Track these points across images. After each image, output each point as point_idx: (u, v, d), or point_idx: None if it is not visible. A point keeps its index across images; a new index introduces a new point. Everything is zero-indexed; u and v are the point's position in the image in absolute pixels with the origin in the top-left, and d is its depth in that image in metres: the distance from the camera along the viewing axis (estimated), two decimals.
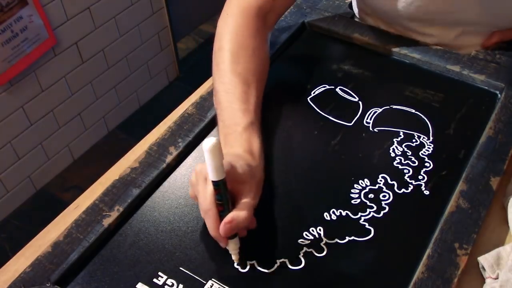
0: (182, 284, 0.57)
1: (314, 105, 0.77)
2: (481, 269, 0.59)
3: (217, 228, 0.56)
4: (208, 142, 0.52)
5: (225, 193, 0.55)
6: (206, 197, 0.56)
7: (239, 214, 0.56)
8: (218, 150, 0.52)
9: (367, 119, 0.75)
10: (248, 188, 0.59)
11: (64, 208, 0.67)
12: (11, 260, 0.62)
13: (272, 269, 0.58)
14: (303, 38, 0.89)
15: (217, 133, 0.70)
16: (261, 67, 0.74)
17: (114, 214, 0.63)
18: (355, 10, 0.95)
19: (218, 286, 0.57)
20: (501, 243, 0.61)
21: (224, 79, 0.70)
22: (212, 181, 0.55)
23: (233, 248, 0.58)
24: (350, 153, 0.70)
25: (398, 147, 0.71)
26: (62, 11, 1.59)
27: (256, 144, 0.65)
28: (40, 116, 1.69)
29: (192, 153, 0.71)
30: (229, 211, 0.56)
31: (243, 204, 0.57)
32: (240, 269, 0.58)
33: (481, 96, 0.77)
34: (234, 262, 0.59)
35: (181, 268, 0.59)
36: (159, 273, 0.58)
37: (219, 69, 0.72)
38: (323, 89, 0.79)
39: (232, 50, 0.72)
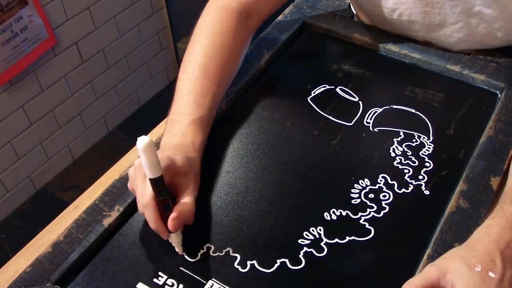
0: (182, 284, 0.57)
1: (314, 105, 0.77)
2: None
3: (157, 221, 0.57)
4: (142, 141, 0.52)
5: (164, 188, 0.56)
6: (145, 193, 0.57)
7: (184, 208, 0.58)
8: (151, 148, 0.52)
9: (367, 119, 0.75)
10: (188, 179, 0.60)
11: (64, 208, 0.67)
12: (11, 260, 0.62)
13: (272, 269, 0.58)
14: (303, 38, 0.89)
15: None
16: (229, 66, 0.74)
17: (114, 214, 0.63)
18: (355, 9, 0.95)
19: (218, 286, 0.57)
20: None
21: (188, 70, 0.71)
22: (150, 179, 0.55)
23: (175, 241, 0.59)
24: (350, 153, 0.70)
25: (398, 147, 0.71)
26: (62, 11, 1.59)
27: (200, 138, 0.66)
28: (40, 116, 1.69)
29: None
30: (171, 205, 0.57)
31: (186, 198, 0.59)
32: (240, 269, 0.58)
33: (481, 96, 0.77)
34: (180, 254, 0.60)
35: (181, 268, 0.59)
36: (159, 273, 0.58)
37: (187, 59, 0.73)
38: (323, 89, 0.79)
39: (203, 44, 0.73)
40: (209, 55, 0.72)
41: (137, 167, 0.58)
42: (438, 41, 0.83)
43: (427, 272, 0.53)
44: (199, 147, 0.65)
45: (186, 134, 0.65)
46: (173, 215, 0.57)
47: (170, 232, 0.58)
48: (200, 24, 0.76)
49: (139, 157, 0.55)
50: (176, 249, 0.60)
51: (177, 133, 0.65)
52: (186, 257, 0.60)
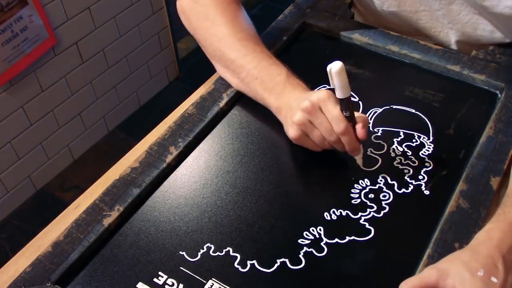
0: (182, 284, 0.57)
1: None
2: None
3: (356, 141, 0.63)
4: (336, 65, 0.60)
5: (352, 106, 0.63)
6: (339, 119, 0.62)
7: (362, 116, 0.64)
8: (344, 70, 0.60)
9: None
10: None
11: (64, 208, 0.67)
12: (11, 260, 0.62)
13: (272, 269, 0.58)
14: (303, 38, 0.89)
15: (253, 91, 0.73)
16: (256, 32, 0.77)
17: (114, 214, 0.63)
18: (355, 9, 0.95)
19: (218, 286, 0.57)
20: None
21: (236, 47, 0.72)
22: (344, 99, 0.61)
23: (362, 153, 0.67)
24: None
25: (398, 147, 0.71)
26: (62, 11, 1.59)
27: (303, 84, 0.70)
28: (40, 116, 1.69)
29: (192, 153, 0.71)
30: (355, 121, 0.63)
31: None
32: (240, 269, 0.59)
33: (481, 96, 0.77)
34: (359, 165, 0.67)
35: (181, 268, 0.59)
36: (159, 273, 0.58)
37: (226, 41, 0.73)
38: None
39: (227, 23, 0.74)
40: (239, 28, 0.74)
41: (311, 106, 0.63)
42: (424, 33, 0.84)
43: (426, 274, 0.53)
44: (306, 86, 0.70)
45: (295, 87, 0.69)
46: (360, 125, 0.62)
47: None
48: (202, 9, 0.76)
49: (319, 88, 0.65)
50: (358, 161, 0.67)
51: (288, 91, 0.68)
52: (186, 257, 0.60)
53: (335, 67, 0.60)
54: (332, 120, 0.62)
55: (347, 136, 0.62)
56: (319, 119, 0.63)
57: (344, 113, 0.62)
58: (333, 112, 0.62)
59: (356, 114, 0.64)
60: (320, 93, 0.64)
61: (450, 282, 0.51)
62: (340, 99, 0.62)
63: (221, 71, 0.77)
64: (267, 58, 0.72)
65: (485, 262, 0.52)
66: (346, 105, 0.62)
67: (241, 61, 0.72)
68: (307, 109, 0.63)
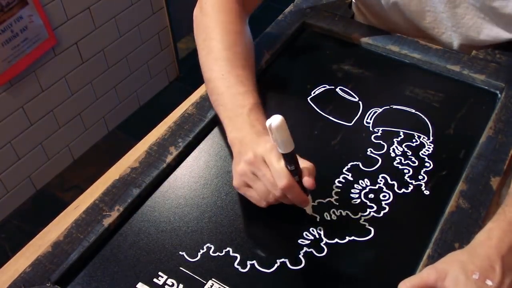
0: (182, 284, 0.57)
1: (314, 105, 0.77)
2: None
3: (303, 194, 0.60)
4: (276, 119, 0.55)
5: (296, 160, 0.58)
6: (282, 174, 0.58)
7: (309, 165, 0.60)
8: (285, 124, 0.56)
9: (367, 119, 0.75)
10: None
11: (64, 208, 0.67)
12: (11, 260, 0.62)
13: (272, 269, 0.58)
14: (303, 38, 0.89)
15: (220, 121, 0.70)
16: (249, 51, 0.75)
17: (114, 214, 0.63)
18: (355, 9, 0.95)
19: (218, 286, 0.57)
20: None
21: (215, 67, 0.71)
22: (286, 154, 0.57)
23: (310, 203, 0.63)
24: (350, 153, 0.70)
25: (398, 147, 0.71)
26: (62, 11, 1.59)
27: (265, 121, 0.66)
28: (40, 116, 1.69)
29: (192, 153, 0.71)
30: (300, 176, 0.60)
31: (302, 163, 0.60)
32: (240, 269, 0.58)
33: (481, 96, 0.77)
34: (308, 214, 0.63)
35: (181, 268, 0.59)
36: (159, 273, 0.58)
37: (210, 58, 0.72)
38: (323, 89, 0.79)
39: (219, 38, 0.72)
40: (229, 46, 0.72)
41: (253, 159, 0.60)
42: (426, 33, 0.83)
43: (425, 274, 0.53)
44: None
45: (253, 123, 0.65)
46: (306, 177, 0.59)
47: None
48: (205, 19, 0.75)
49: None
50: (308, 211, 0.63)
51: (244, 125, 0.65)
52: (186, 257, 0.60)
53: (274, 122, 0.55)
54: (274, 175, 0.58)
55: (291, 191, 0.59)
56: (262, 171, 0.59)
57: (289, 167, 0.58)
58: (275, 166, 0.58)
59: (303, 163, 0.60)
60: (265, 145, 0.60)
61: (447, 283, 0.52)
62: (283, 154, 0.57)
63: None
64: (239, 85, 0.69)
65: (482, 264, 0.52)
66: (290, 159, 0.57)
67: (215, 82, 0.70)
68: (250, 161, 0.60)
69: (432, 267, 0.54)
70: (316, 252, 0.60)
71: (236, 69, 0.70)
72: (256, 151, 0.60)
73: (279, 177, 0.58)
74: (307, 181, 0.58)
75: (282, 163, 0.58)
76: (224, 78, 0.69)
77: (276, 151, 0.58)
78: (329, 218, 0.63)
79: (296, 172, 0.58)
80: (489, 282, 0.51)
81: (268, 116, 0.68)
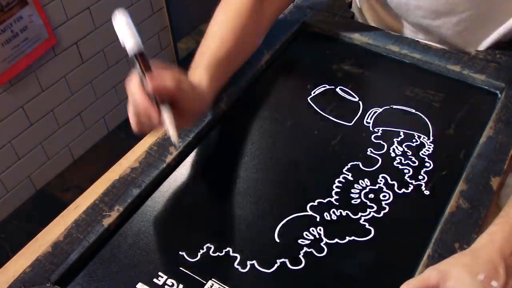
0: (182, 284, 0.57)
1: (314, 105, 0.77)
2: None
3: (144, 99, 0.56)
4: (115, 15, 0.52)
5: (147, 63, 0.55)
6: (128, 85, 0.57)
7: (161, 74, 0.57)
8: (126, 19, 0.53)
9: (367, 119, 0.75)
10: (184, 99, 0.60)
11: (64, 208, 0.67)
12: (11, 260, 0.62)
13: (272, 269, 0.58)
14: (303, 38, 0.89)
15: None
16: (242, 49, 0.76)
17: (114, 214, 0.63)
18: (355, 9, 0.95)
19: (218, 286, 0.57)
20: None
21: (214, 25, 0.74)
22: (135, 55, 0.54)
23: (168, 117, 0.57)
24: (350, 153, 0.70)
25: (398, 147, 0.71)
26: (62, 11, 1.59)
27: (219, 84, 0.69)
28: (40, 116, 1.69)
29: (192, 153, 0.71)
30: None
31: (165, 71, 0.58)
32: (240, 269, 0.58)
33: (481, 96, 0.77)
34: (175, 145, 0.60)
35: (181, 268, 0.59)
36: (159, 273, 0.58)
37: (210, 28, 0.75)
38: (323, 89, 0.79)
39: (223, 22, 0.75)
40: (235, 23, 0.74)
41: (127, 81, 0.58)
42: (442, 29, 0.82)
43: (427, 275, 0.53)
44: (212, 93, 0.68)
45: (191, 69, 0.67)
46: (153, 79, 0.56)
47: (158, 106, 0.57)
48: (218, 11, 0.77)
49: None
50: (170, 132, 0.57)
51: (201, 72, 0.68)
52: (186, 257, 0.60)
53: (115, 17, 0.52)
54: (129, 90, 0.57)
55: (132, 96, 0.57)
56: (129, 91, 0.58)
57: (139, 73, 0.55)
58: (129, 86, 0.57)
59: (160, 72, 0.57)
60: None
61: (450, 285, 0.51)
62: (134, 57, 0.54)
63: None
64: (211, 48, 0.71)
65: (486, 267, 0.52)
66: (143, 63, 0.54)
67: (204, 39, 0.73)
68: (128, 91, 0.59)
69: (434, 268, 0.53)
70: (316, 252, 0.60)
71: (225, 35, 0.72)
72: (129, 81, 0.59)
73: (128, 87, 0.57)
74: (149, 81, 0.56)
75: (133, 82, 0.56)
76: (206, 37, 0.73)
77: (132, 75, 0.58)
78: (329, 218, 0.63)
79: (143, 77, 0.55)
80: (494, 283, 0.50)
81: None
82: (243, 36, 0.75)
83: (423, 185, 0.66)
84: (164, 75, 0.57)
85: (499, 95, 0.77)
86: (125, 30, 0.53)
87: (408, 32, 0.87)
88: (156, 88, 0.56)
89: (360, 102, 0.77)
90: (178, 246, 0.61)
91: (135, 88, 0.57)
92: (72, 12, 1.63)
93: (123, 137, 1.99)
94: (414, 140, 0.71)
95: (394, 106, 0.76)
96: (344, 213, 0.63)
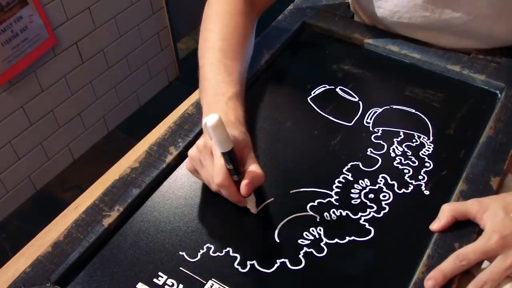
0: (182, 284, 0.57)
1: (314, 105, 0.77)
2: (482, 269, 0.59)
3: (237, 193, 0.60)
4: (211, 119, 0.55)
5: (235, 160, 0.59)
6: (219, 172, 0.59)
7: (254, 174, 0.60)
8: (222, 124, 0.56)
9: (367, 119, 0.75)
10: (248, 151, 0.62)
11: (64, 208, 0.67)
12: (11, 260, 0.62)
13: (272, 269, 0.58)
14: (303, 38, 0.89)
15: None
16: (245, 44, 0.76)
17: (114, 214, 0.63)
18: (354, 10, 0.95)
19: (218, 286, 0.57)
20: None
21: (208, 55, 0.72)
22: (223, 153, 0.58)
23: (251, 204, 0.63)
24: (350, 153, 0.70)
25: (398, 147, 0.71)
26: (62, 11, 1.59)
27: (241, 113, 0.67)
28: (40, 116, 1.69)
29: None
30: (241, 175, 0.60)
31: (252, 166, 0.61)
32: (240, 269, 0.58)
33: (481, 96, 0.77)
34: (252, 213, 0.63)
35: (181, 268, 0.59)
36: (159, 273, 0.58)
37: (204, 46, 0.74)
38: (323, 89, 0.79)
39: (217, 29, 0.74)
40: (225, 37, 0.73)
41: (203, 147, 0.61)
42: (438, 42, 0.83)
43: (469, 203, 0.58)
44: (243, 121, 0.67)
45: (227, 112, 0.66)
46: (244, 182, 0.59)
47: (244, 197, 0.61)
48: (210, 11, 0.77)
49: (201, 137, 0.60)
50: (252, 211, 0.63)
51: (218, 113, 0.65)
52: (186, 257, 0.60)
53: (209, 121, 0.55)
54: (214, 169, 0.60)
55: (225, 189, 0.60)
56: (206, 161, 0.61)
57: (228, 166, 0.59)
58: (216, 161, 0.59)
59: (252, 167, 0.61)
60: (200, 142, 0.62)
61: (484, 216, 0.56)
62: (222, 153, 0.58)
63: None
64: (225, 74, 0.70)
65: None
66: (228, 159, 0.58)
67: (204, 69, 0.72)
68: (199, 148, 0.61)
69: (476, 200, 0.59)
70: (316, 252, 0.60)
71: (226, 59, 0.71)
72: (207, 140, 0.61)
73: (216, 173, 0.59)
74: (243, 186, 0.59)
75: (222, 159, 0.59)
76: (213, 66, 0.71)
77: None
78: (329, 218, 0.63)
79: (235, 172, 0.59)
80: None
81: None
82: (245, 46, 0.77)
83: (423, 185, 0.66)
84: (255, 174, 0.61)
85: (499, 95, 0.77)
86: (221, 134, 0.57)
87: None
88: (245, 193, 0.60)
89: (360, 102, 0.77)
90: (178, 246, 0.61)
91: (227, 181, 0.60)
92: (72, 12, 1.63)
93: (123, 137, 1.99)
94: (414, 140, 0.71)
95: (394, 106, 0.76)
96: (344, 213, 0.63)
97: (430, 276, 0.55)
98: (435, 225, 0.60)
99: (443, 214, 0.60)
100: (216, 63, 0.71)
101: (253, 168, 0.61)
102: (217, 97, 0.68)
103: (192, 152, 0.63)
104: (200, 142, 0.62)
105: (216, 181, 0.59)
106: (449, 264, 0.55)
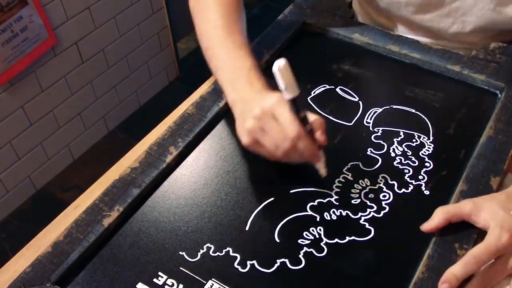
0: (182, 284, 0.57)
1: (314, 105, 0.77)
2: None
3: (314, 147, 0.60)
4: (281, 61, 0.55)
5: (306, 108, 0.58)
6: (292, 123, 0.58)
7: (318, 118, 0.60)
8: (289, 67, 0.56)
9: (367, 119, 0.75)
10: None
11: (64, 208, 0.67)
12: (11, 260, 0.62)
13: (272, 269, 0.58)
14: (303, 38, 0.89)
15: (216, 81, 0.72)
16: (242, 19, 0.76)
17: (114, 214, 0.63)
18: (355, 9, 0.95)
19: (218, 286, 0.57)
20: None
21: (213, 35, 0.72)
22: (291, 100, 0.57)
23: (323, 163, 0.63)
24: (350, 153, 0.70)
25: (398, 147, 0.71)
26: (62, 11, 1.59)
27: (264, 81, 0.67)
28: (40, 116, 1.69)
29: (192, 153, 0.71)
30: (308, 123, 0.59)
31: (310, 114, 0.60)
32: (240, 269, 0.58)
33: (481, 96, 0.77)
34: (322, 175, 0.63)
35: (181, 268, 0.59)
36: (159, 273, 0.58)
37: (207, 27, 0.74)
38: (323, 89, 0.79)
39: (215, 7, 0.74)
40: (224, 15, 0.73)
41: (261, 113, 0.60)
42: (434, 22, 0.83)
43: (462, 204, 0.58)
44: (269, 88, 0.67)
45: (252, 82, 0.66)
46: (318, 132, 0.59)
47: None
48: None
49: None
50: (321, 171, 0.63)
51: (244, 86, 0.66)
52: (186, 257, 0.60)
53: (281, 63, 0.55)
54: (283, 125, 0.58)
55: (302, 140, 0.58)
56: (270, 125, 0.59)
57: (299, 115, 0.57)
58: (284, 115, 0.58)
59: (312, 116, 0.60)
60: (271, 98, 0.60)
61: (482, 215, 0.56)
62: (290, 100, 0.57)
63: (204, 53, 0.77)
64: (237, 49, 0.70)
65: None
66: (298, 106, 0.57)
67: (214, 50, 0.72)
68: (258, 116, 0.60)
69: (469, 200, 0.58)
70: (316, 252, 0.60)
71: (233, 35, 0.71)
72: (263, 105, 0.60)
73: (289, 126, 0.58)
74: (320, 135, 0.59)
75: (291, 112, 0.58)
76: (222, 45, 0.71)
77: (283, 102, 0.59)
78: (329, 218, 0.63)
79: (306, 121, 0.58)
80: None
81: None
82: (244, 19, 0.77)
83: (423, 185, 0.66)
84: (321, 121, 0.61)
85: (499, 95, 0.77)
86: (289, 77, 0.56)
87: (402, 32, 0.88)
88: (324, 141, 0.61)
89: (360, 102, 0.77)
90: (178, 246, 0.61)
91: (303, 131, 0.59)
92: (72, 12, 1.62)
93: (123, 137, 1.99)
94: (414, 140, 0.71)
95: (394, 106, 0.76)
96: (344, 213, 0.63)
97: (443, 280, 0.54)
98: (425, 225, 0.60)
99: (435, 216, 0.60)
100: (224, 41, 0.71)
101: (314, 117, 0.60)
102: (237, 72, 0.67)
103: (249, 123, 0.61)
104: (254, 111, 0.60)
105: (291, 133, 0.58)
106: (462, 267, 0.55)
